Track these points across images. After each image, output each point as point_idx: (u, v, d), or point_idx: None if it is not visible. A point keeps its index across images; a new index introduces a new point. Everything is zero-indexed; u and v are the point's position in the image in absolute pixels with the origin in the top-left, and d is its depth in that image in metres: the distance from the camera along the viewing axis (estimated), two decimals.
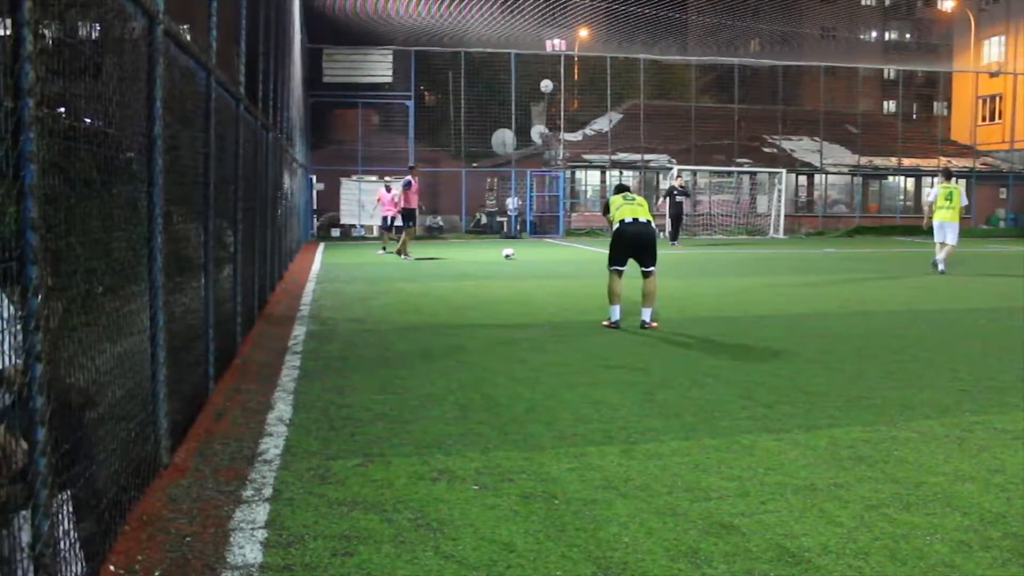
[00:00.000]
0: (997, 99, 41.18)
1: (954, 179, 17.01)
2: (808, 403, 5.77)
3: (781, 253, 22.39)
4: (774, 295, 12.38)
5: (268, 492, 3.93)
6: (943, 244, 15.93)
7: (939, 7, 47.42)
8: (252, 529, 3.50)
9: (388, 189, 22.25)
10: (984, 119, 41.72)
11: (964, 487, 4.10)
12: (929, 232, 16.60)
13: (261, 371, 6.74)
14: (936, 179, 17.25)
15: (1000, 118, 40.64)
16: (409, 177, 19.54)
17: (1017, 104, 38.29)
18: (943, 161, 35.59)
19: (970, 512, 3.77)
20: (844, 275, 15.73)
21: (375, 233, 22.31)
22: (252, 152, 8.47)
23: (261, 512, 3.68)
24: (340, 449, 4.63)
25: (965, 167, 36.01)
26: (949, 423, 5.28)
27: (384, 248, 21.47)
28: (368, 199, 27.69)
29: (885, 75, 50.10)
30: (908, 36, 60.51)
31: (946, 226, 15.96)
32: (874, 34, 59.78)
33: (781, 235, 30.33)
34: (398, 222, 20.69)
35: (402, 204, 19.64)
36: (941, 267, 15.75)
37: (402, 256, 19.10)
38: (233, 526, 3.53)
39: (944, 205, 15.96)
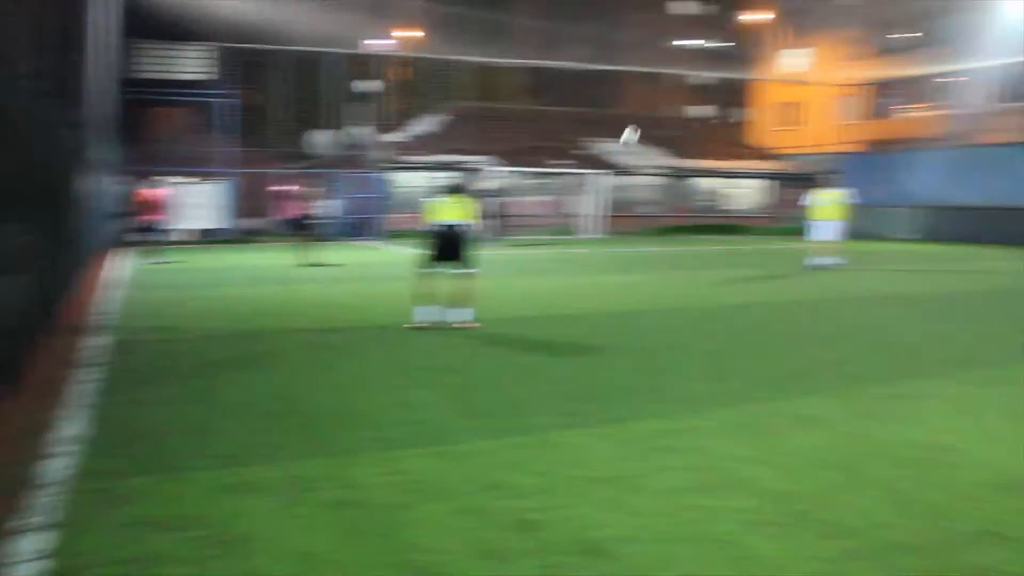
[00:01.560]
0: (796, 107, 44.31)
1: None
2: (618, 398, 5.96)
3: (597, 252, 23.08)
4: (590, 293, 12.74)
5: (52, 518, 3.65)
6: None
7: (747, 19, 50.36)
8: (36, 560, 3.24)
9: (293, 183, 17.21)
10: (784, 125, 44.73)
11: (756, 470, 4.35)
12: None
13: (51, 387, 6.28)
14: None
15: (800, 124, 43.72)
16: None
17: (814, 111, 41.23)
18: (748, 163, 37.86)
19: (760, 493, 4.01)
20: (656, 273, 16.40)
21: (272, 236, 18.83)
22: (41, 151, 7.87)
23: (44, 541, 3.42)
24: (135, 466, 4.36)
25: (772, 170, 38.38)
26: (746, 411, 5.60)
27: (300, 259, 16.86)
28: (188, 201, 26.21)
29: (696, 81, 52.77)
30: (718, 45, 63.84)
31: None
32: (686, 42, 62.79)
33: (597, 235, 31.28)
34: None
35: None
36: None
37: None
38: (15, 559, 3.26)
39: None
